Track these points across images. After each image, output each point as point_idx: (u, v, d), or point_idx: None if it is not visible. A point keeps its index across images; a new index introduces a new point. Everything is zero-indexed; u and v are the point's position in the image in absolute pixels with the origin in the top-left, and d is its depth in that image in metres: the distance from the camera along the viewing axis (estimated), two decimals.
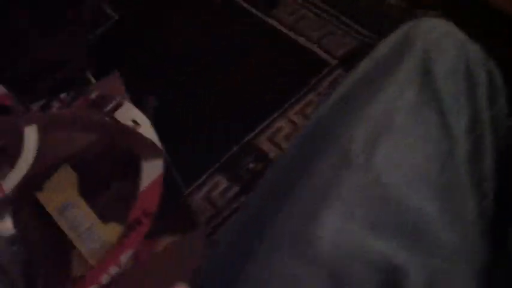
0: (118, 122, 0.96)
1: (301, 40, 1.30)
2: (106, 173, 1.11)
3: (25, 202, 1.10)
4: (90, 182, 1.11)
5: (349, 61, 1.26)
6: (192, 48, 1.28)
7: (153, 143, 0.98)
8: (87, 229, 1.06)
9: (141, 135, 0.96)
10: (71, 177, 1.09)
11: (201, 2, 1.36)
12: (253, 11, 1.34)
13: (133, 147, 0.98)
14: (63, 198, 1.08)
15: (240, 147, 1.15)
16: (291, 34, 1.31)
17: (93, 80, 1.19)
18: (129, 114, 1.07)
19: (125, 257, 0.93)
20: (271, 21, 1.31)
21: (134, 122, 1.07)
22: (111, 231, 1.06)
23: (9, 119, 0.88)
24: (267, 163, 1.13)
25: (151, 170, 0.99)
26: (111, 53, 1.27)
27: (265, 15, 1.33)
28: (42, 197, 1.08)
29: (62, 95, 1.12)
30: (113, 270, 0.95)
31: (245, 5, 1.33)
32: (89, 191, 1.11)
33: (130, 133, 0.96)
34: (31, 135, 0.89)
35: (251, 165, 1.14)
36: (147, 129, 1.05)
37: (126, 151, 1.01)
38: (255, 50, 1.28)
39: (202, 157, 1.14)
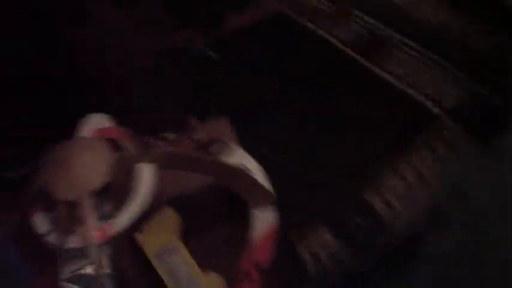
0: (229, 164, 0.89)
1: (410, 91, 1.22)
2: (211, 218, 1.05)
3: (123, 242, 1.04)
4: (193, 226, 1.04)
5: (459, 113, 1.20)
6: None
7: (266, 191, 0.91)
8: (186, 277, 0.99)
9: (254, 180, 0.89)
10: (173, 220, 1.03)
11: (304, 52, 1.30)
12: (359, 58, 1.27)
13: (244, 193, 0.91)
14: (162, 242, 1.02)
15: (346, 200, 1.07)
16: (398, 83, 1.23)
17: (195, 121, 1.14)
18: (238, 158, 1.01)
19: None
20: (378, 70, 1.24)
21: (243, 167, 1.00)
22: (212, 281, 0.99)
23: (119, 155, 0.82)
24: (377, 220, 1.05)
25: (264, 220, 0.92)
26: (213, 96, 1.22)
27: (371, 64, 1.26)
28: (141, 239, 1.02)
29: (166, 134, 1.06)
30: None
31: (350, 52, 1.26)
32: (190, 236, 1.04)
33: (242, 177, 0.89)
34: (147, 175, 0.83)
35: (358, 220, 1.05)
36: (258, 176, 0.98)
37: (235, 197, 0.93)
38: (361, 99, 1.20)
39: (305, 208, 1.06)
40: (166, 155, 0.86)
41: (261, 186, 0.91)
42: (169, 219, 1.04)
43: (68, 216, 0.82)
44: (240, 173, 0.89)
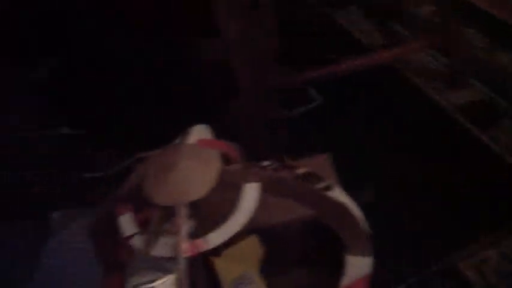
0: (334, 200, 0.82)
1: None
2: (298, 257, 0.98)
3: (200, 263, 0.97)
4: (276, 262, 0.97)
5: None
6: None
7: (366, 238, 0.83)
8: None
9: (357, 222, 0.82)
10: (257, 250, 0.96)
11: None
12: (468, 125, 1.20)
13: (344, 233, 0.83)
14: (240, 271, 0.95)
15: (439, 267, 0.98)
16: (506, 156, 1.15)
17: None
18: (340, 199, 0.94)
19: None
20: (486, 139, 1.16)
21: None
22: None
23: (227, 168, 0.76)
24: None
25: (358, 268, 0.84)
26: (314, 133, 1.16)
27: (480, 132, 1.18)
28: (219, 264, 0.95)
29: (265, 163, 1.00)
30: None
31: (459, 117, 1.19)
32: (271, 272, 0.97)
33: (345, 216, 0.82)
34: (251, 194, 0.76)
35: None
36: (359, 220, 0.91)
37: (329, 240, 0.86)
38: (464, 166, 1.12)
39: (396, 269, 0.97)
40: (273, 178, 0.80)
41: (363, 231, 0.83)
42: (252, 249, 0.98)
43: (160, 223, 0.75)
44: (345, 211, 0.82)
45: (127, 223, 0.79)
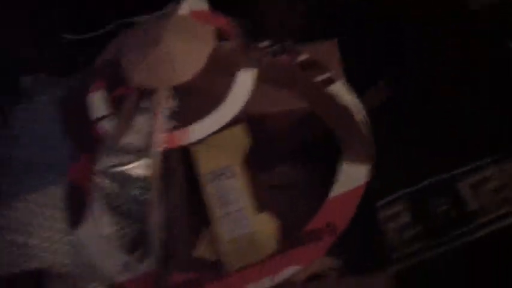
0: (336, 97, 0.70)
1: None
2: (289, 152, 0.91)
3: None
4: (263, 155, 0.86)
5: None
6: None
7: (368, 143, 0.73)
8: (236, 211, 0.82)
9: (358, 126, 0.71)
10: (242, 140, 0.85)
11: None
12: None
13: (342, 136, 0.73)
14: (223, 162, 0.85)
15: (435, 182, 0.89)
16: None
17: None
18: (342, 96, 0.82)
19: (285, 273, 0.68)
20: None
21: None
22: (263, 223, 0.85)
23: (221, 46, 0.63)
24: (461, 214, 0.87)
25: (352, 176, 0.75)
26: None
27: None
28: (199, 151, 0.84)
29: (264, 42, 0.87)
30: (262, 283, 0.71)
31: None
32: (257, 165, 0.87)
33: (346, 118, 0.71)
34: (245, 81, 0.64)
35: (441, 210, 0.88)
36: (361, 124, 0.80)
37: (326, 137, 0.75)
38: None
39: (391, 177, 0.88)
40: (271, 64, 0.67)
41: (364, 136, 0.72)
42: (238, 138, 0.87)
43: (136, 107, 0.63)
44: (346, 113, 0.71)
45: (98, 102, 0.67)
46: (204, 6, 0.79)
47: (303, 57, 0.89)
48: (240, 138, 0.87)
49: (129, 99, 0.66)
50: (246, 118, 0.88)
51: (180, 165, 0.88)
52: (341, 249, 0.84)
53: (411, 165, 0.96)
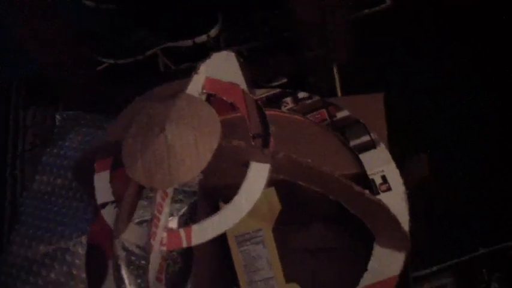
0: (363, 193, 0.61)
1: None
2: (314, 214, 0.85)
3: (207, 205, 0.81)
4: (293, 217, 0.80)
5: None
6: None
7: (399, 231, 0.64)
8: (264, 280, 0.76)
9: (392, 219, 0.62)
10: (274, 205, 0.78)
11: None
12: None
13: (376, 230, 0.64)
14: (253, 226, 0.78)
15: (488, 252, 0.79)
16: None
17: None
18: (381, 165, 0.73)
19: None
20: None
21: (383, 179, 0.72)
22: None
23: (229, 144, 0.56)
24: None
25: (385, 265, 0.67)
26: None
27: None
28: None
29: (301, 94, 0.79)
30: None
31: None
32: (284, 230, 0.80)
33: (378, 214, 0.62)
34: (259, 176, 0.57)
35: (494, 285, 0.78)
36: (397, 199, 0.71)
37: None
38: None
39: (436, 244, 0.79)
40: (286, 160, 0.59)
41: (395, 226, 0.64)
42: (269, 203, 0.80)
43: (136, 200, 0.58)
44: (378, 208, 0.62)
45: (101, 186, 0.63)
46: (232, 61, 0.71)
47: (343, 113, 0.80)
48: (272, 200, 0.81)
49: (128, 194, 0.60)
50: (276, 182, 0.81)
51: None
52: None
53: (461, 233, 0.87)
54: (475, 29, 0.95)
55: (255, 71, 0.89)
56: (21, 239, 0.86)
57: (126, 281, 0.66)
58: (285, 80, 0.94)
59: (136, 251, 0.77)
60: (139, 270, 0.79)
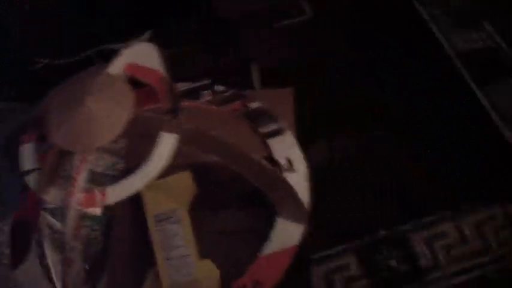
0: (261, 164, 0.70)
1: None
2: (233, 201, 0.91)
3: None
4: (208, 202, 0.87)
5: None
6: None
7: (299, 204, 0.73)
8: (179, 257, 0.83)
9: (289, 189, 0.71)
10: (189, 187, 0.85)
11: None
12: None
13: (271, 198, 0.72)
14: (169, 206, 0.86)
15: (388, 233, 0.88)
16: None
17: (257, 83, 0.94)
18: (287, 149, 0.82)
19: None
20: None
21: (288, 161, 0.81)
22: (205, 271, 0.85)
23: (140, 113, 0.64)
24: (413, 268, 0.86)
25: (286, 235, 0.75)
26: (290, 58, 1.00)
27: None
28: (147, 194, 0.85)
29: (218, 87, 0.87)
30: None
31: None
32: (202, 210, 0.87)
33: (275, 182, 0.71)
34: (166, 146, 0.65)
35: (392, 262, 0.87)
36: (300, 180, 0.80)
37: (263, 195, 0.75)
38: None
39: (340, 227, 0.87)
40: (193, 130, 0.67)
41: (297, 198, 0.72)
42: (185, 185, 0.88)
43: (57, 166, 0.65)
44: (275, 177, 0.70)
45: (27, 155, 0.69)
46: (153, 51, 0.79)
47: (255, 105, 0.89)
48: (187, 183, 0.88)
49: (49, 158, 0.67)
50: (191, 165, 0.89)
51: (128, 205, 0.90)
52: None
53: (363, 215, 0.95)
54: None
55: (181, 71, 0.97)
56: None
57: (49, 258, 0.72)
58: (208, 81, 1.03)
59: (60, 228, 0.83)
60: (62, 248, 0.84)
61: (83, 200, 0.66)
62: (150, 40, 1.10)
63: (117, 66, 0.72)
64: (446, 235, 0.93)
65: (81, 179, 0.66)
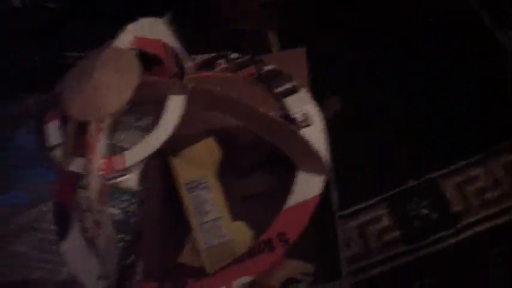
0: (277, 121, 0.72)
1: None
2: (254, 159, 0.93)
3: (156, 161, 0.92)
4: (234, 166, 0.90)
5: None
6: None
7: (317, 156, 0.74)
8: (213, 220, 0.87)
9: (306, 144, 0.73)
10: (214, 154, 0.89)
11: None
12: None
13: (292, 155, 0.75)
14: (198, 174, 0.90)
15: (418, 183, 0.88)
16: None
17: (275, 45, 0.96)
18: (302, 105, 0.85)
19: (237, 284, 0.72)
20: None
21: (304, 117, 0.83)
22: (238, 232, 0.89)
23: (147, 79, 0.68)
24: (445, 215, 0.86)
25: (308, 187, 0.77)
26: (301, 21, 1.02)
27: None
28: (175, 163, 0.89)
29: (233, 55, 0.90)
30: None
31: None
32: (228, 176, 0.91)
33: (292, 139, 0.73)
34: (174, 107, 0.68)
35: (424, 211, 0.87)
36: (316, 132, 0.81)
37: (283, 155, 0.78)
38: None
39: (370, 181, 0.88)
40: (200, 90, 0.71)
41: (313, 153, 0.74)
42: (210, 151, 0.92)
43: (76, 136, 0.69)
44: (289, 133, 0.73)
45: (52, 132, 0.74)
46: (159, 31, 0.83)
47: (268, 67, 0.92)
48: (212, 149, 0.92)
49: (70, 128, 0.72)
50: (214, 130, 0.92)
51: (158, 177, 0.95)
52: (312, 254, 0.87)
53: (392, 168, 0.96)
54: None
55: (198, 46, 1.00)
56: None
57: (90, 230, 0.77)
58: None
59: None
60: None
61: (103, 165, 0.70)
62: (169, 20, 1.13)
63: (123, 41, 0.76)
64: (477, 179, 0.93)
65: (100, 146, 0.70)
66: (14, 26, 1.12)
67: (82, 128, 0.73)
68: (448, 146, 0.93)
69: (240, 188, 0.93)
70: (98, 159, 0.70)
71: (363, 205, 0.93)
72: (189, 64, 0.79)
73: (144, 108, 0.92)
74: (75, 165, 0.72)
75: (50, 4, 1.15)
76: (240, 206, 0.91)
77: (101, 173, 0.71)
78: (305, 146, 0.77)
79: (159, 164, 0.92)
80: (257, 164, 0.93)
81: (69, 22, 1.13)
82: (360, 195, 0.92)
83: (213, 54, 0.96)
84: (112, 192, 0.91)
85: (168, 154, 0.92)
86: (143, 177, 0.87)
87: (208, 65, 0.94)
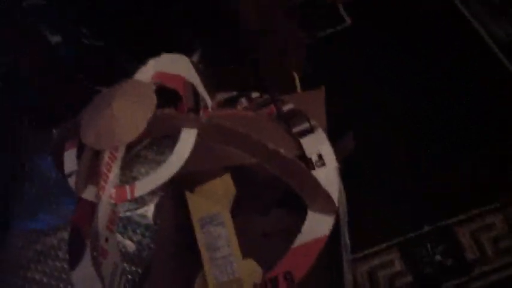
0: (288, 159, 0.73)
1: None
2: (270, 201, 0.94)
3: (172, 196, 0.93)
4: (248, 203, 0.91)
5: None
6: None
7: (327, 196, 0.75)
8: (224, 257, 0.87)
9: (316, 184, 0.73)
10: (230, 190, 0.90)
11: None
12: None
13: (302, 193, 0.75)
14: (211, 209, 0.90)
15: (432, 229, 0.88)
16: None
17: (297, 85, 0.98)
18: (318, 145, 0.85)
19: None
20: None
21: (319, 157, 0.84)
22: (247, 270, 0.88)
23: (162, 111, 0.70)
24: (459, 263, 0.85)
25: (316, 227, 0.77)
26: (325, 62, 1.04)
27: None
28: (192, 199, 0.91)
29: (254, 94, 0.92)
30: None
31: None
32: (242, 214, 0.92)
33: (302, 177, 0.74)
34: (188, 139, 0.70)
35: (437, 257, 0.86)
36: (330, 173, 0.82)
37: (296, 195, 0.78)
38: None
39: (383, 223, 0.88)
40: (212, 124, 0.72)
41: (323, 193, 0.75)
42: (226, 188, 0.92)
43: (91, 164, 0.72)
44: (300, 172, 0.74)
45: (70, 159, 0.77)
46: (184, 62, 0.85)
47: (287, 107, 0.93)
48: (228, 186, 0.93)
49: (85, 157, 0.74)
50: (231, 167, 0.94)
51: (174, 211, 0.96)
52: None
53: (408, 212, 0.96)
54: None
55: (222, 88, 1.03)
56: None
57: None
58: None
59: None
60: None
61: (114, 194, 0.72)
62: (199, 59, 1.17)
63: (144, 74, 0.79)
64: (493, 227, 0.92)
65: (112, 175, 0.72)
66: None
67: (97, 156, 0.75)
68: (465, 192, 0.92)
69: (261, 225, 0.94)
70: (110, 188, 0.72)
71: (375, 249, 0.92)
72: (208, 101, 0.80)
73: (164, 142, 0.94)
74: (88, 193, 0.74)
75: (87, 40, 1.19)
76: (251, 244, 0.91)
77: (112, 201, 0.72)
78: (315, 185, 0.78)
79: (176, 198, 0.93)
80: (277, 200, 0.93)
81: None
82: (372, 239, 0.91)
83: (235, 93, 0.98)
84: (127, 223, 0.92)
85: (185, 189, 0.93)
86: (159, 211, 0.88)
87: (230, 103, 0.96)
